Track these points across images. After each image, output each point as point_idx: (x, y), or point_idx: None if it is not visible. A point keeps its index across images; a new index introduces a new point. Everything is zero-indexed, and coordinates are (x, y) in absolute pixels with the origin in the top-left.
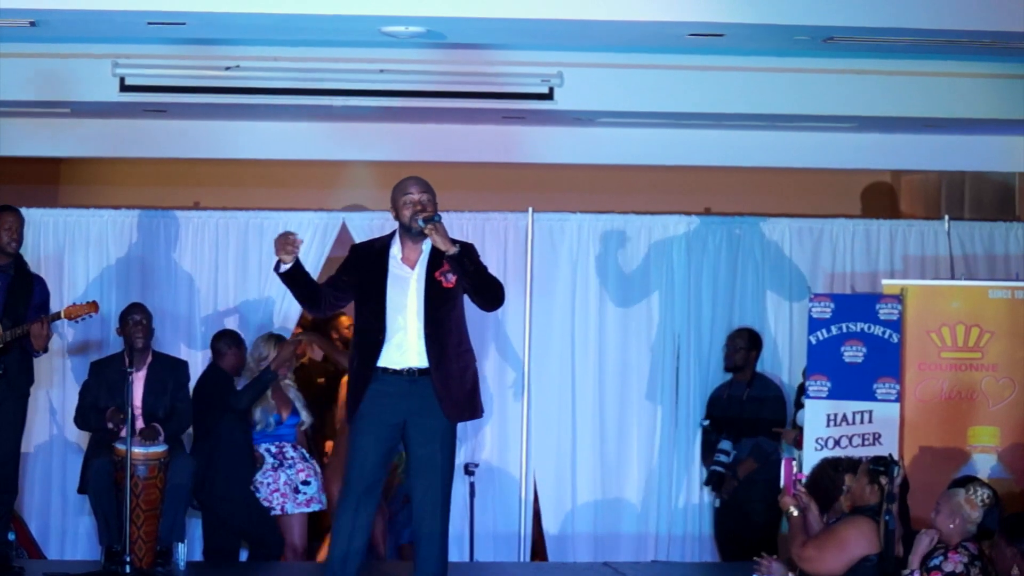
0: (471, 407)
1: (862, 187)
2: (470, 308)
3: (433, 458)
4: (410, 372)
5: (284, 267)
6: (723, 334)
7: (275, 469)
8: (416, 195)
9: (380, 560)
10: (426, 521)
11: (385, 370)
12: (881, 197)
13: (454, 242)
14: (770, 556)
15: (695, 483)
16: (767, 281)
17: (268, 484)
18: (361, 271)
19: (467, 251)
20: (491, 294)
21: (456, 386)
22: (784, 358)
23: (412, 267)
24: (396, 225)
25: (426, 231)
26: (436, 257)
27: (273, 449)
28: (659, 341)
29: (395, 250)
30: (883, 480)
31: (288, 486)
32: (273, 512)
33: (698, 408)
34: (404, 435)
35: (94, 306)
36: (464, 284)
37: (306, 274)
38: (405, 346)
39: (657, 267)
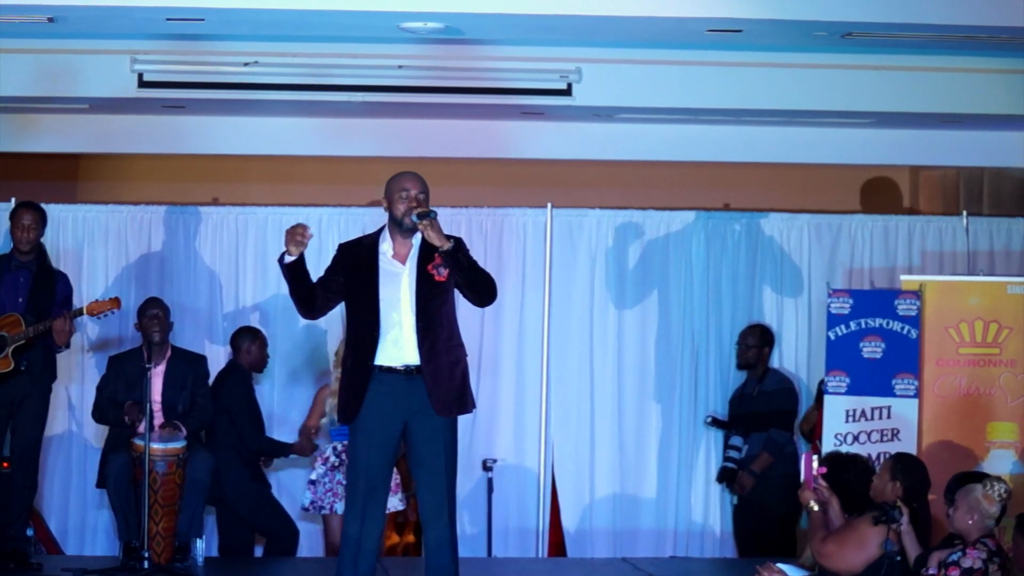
0: (460, 402)
1: (874, 183)
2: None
3: (436, 457)
4: (407, 369)
5: (289, 259)
6: (741, 330)
7: (333, 469)
8: (412, 191)
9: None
10: (432, 524)
11: (382, 368)
12: (888, 193)
13: (448, 237)
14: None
15: (713, 479)
16: (786, 277)
17: (324, 484)
18: (351, 269)
19: (458, 245)
20: (485, 288)
21: (446, 380)
22: (802, 354)
23: (403, 263)
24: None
25: (420, 227)
26: (427, 251)
27: (339, 448)
28: (677, 337)
29: (385, 246)
30: (892, 525)
31: (342, 486)
32: (323, 511)
33: (716, 404)
34: (406, 434)
35: (116, 302)
36: (458, 279)
37: (307, 272)
38: (400, 342)
39: (676, 263)
